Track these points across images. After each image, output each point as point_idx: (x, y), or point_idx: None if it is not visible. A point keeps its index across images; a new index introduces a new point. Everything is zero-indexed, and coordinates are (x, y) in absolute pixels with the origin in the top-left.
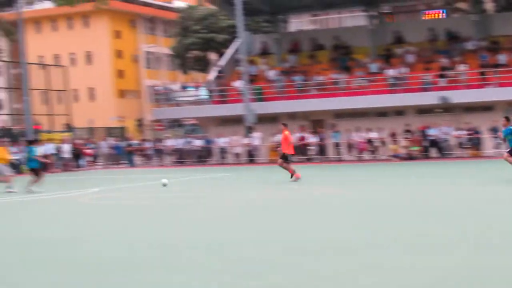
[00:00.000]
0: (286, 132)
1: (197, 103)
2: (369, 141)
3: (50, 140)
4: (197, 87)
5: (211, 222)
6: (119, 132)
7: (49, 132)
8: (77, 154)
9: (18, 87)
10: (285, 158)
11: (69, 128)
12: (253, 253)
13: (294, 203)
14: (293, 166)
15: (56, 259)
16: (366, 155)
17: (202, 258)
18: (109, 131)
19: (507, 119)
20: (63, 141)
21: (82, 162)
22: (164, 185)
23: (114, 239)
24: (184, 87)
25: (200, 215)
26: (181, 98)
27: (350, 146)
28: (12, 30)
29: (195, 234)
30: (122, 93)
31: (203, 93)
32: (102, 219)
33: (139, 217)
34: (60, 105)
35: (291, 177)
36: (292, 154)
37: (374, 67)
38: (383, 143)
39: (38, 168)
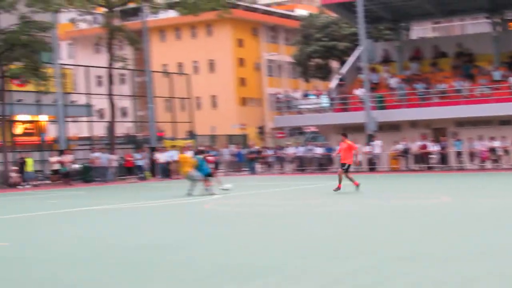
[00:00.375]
0: (349, 142)
1: (318, 111)
2: (492, 150)
3: (173, 147)
4: (318, 95)
5: (338, 230)
6: (241, 140)
7: (172, 139)
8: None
9: (142, 94)
10: (346, 169)
11: (192, 135)
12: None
13: (424, 209)
14: (351, 175)
15: (161, 262)
16: (488, 164)
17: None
18: (231, 139)
19: None
20: (185, 148)
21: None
22: (226, 189)
23: (232, 244)
24: (305, 95)
25: (321, 222)
26: (302, 106)
27: (472, 155)
28: (137, 39)
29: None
30: (243, 101)
31: (324, 101)
32: (221, 224)
33: (254, 223)
34: (183, 112)
35: (337, 188)
36: (349, 164)
37: (497, 74)
38: (506, 152)
39: (208, 174)
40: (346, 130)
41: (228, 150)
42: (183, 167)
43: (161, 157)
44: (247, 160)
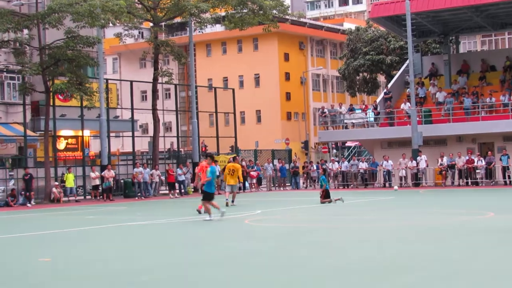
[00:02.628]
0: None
1: (363, 125)
2: None
3: (216, 162)
4: (364, 109)
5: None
6: (284, 154)
7: (215, 154)
8: (243, 176)
9: (186, 109)
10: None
11: (235, 150)
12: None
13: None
14: None
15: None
16: None
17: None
18: (274, 153)
19: None
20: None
21: (246, 184)
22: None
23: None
24: (351, 109)
25: (359, 237)
26: (347, 121)
27: None
28: (182, 54)
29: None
30: (288, 116)
31: (370, 115)
32: (260, 240)
33: (292, 239)
34: (227, 127)
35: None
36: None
37: None
38: None
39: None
40: (391, 145)
41: (271, 165)
42: (230, 177)
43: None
44: (291, 175)
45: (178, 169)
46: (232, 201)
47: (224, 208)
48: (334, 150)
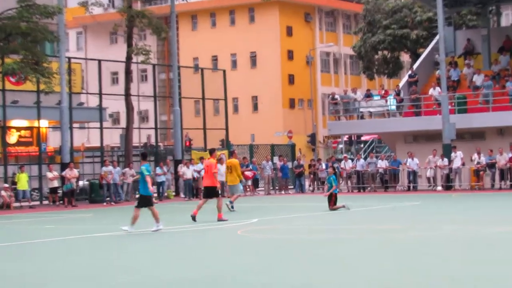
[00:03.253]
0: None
1: (384, 115)
2: None
3: (203, 160)
4: (384, 95)
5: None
6: (286, 151)
7: (202, 150)
8: None
9: (167, 95)
10: None
11: (226, 145)
12: None
13: None
14: None
15: None
16: None
17: None
18: (274, 149)
19: None
20: (219, 161)
21: (240, 186)
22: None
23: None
24: (368, 96)
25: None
26: (364, 109)
27: None
28: (162, 27)
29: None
30: (291, 103)
31: (391, 102)
32: (250, 255)
33: (290, 254)
34: (217, 117)
35: None
36: None
37: None
38: None
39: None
40: (417, 139)
41: (270, 164)
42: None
43: (188, 172)
44: (294, 176)
45: (157, 168)
46: (231, 206)
47: (162, 225)
48: (344, 146)
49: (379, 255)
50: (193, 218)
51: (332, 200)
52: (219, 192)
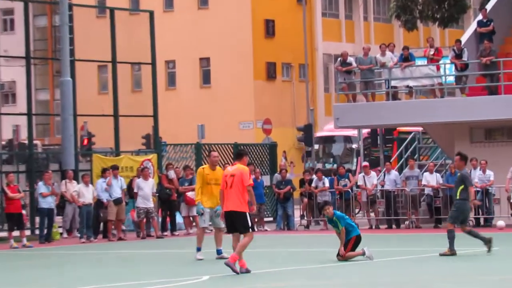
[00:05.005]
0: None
1: (433, 92)
2: None
3: (108, 172)
4: (435, 58)
5: None
6: (261, 155)
7: (111, 152)
8: (168, 198)
9: (49, 55)
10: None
11: (155, 144)
12: None
13: None
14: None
15: None
16: None
17: None
18: (240, 153)
19: None
20: (142, 174)
21: (178, 218)
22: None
23: None
24: (406, 59)
25: None
26: (397, 83)
27: None
28: None
29: None
30: (270, 71)
31: (446, 71)
32: None
33: None
34: (138, 95)
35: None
36: None
37: None
38: None
39: None
40: (492, 135)
41: None
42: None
43: (86, 192)
44: (276, 200)
45: (40, 184)
46: (218, 252)
47: None
48: (364, 146)
49: None
50: (247, 271)
51: (350, 244)
52: (250, 222)
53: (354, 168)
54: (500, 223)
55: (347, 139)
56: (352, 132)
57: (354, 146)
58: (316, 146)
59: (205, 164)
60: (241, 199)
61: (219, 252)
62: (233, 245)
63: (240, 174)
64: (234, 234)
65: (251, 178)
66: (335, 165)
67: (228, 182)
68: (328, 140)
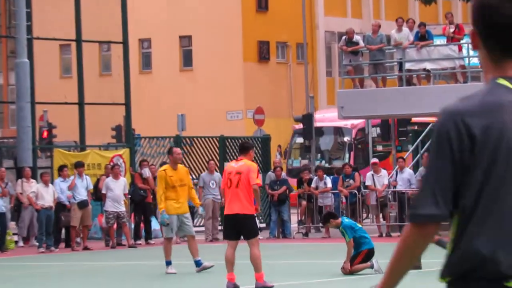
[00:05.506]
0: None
1: (454, 76)
2: None
3: (77, 169)
4: (456, 36)
5: None
6: (251, 150)
7: (75, 147)
8: (142, 201)
9: (2, 33)
10: None
11: (127, 137)
12: None
13: None
14: None
15: None
16: None
17: None
18: (227, 147)
19: None
20: (112, 172)
21: (154, 223)
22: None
23: None
24: (422, 37)
25: None
26: (413, 65)
27: None
28: None
29: None
30: (262, 51)
31: (467, 51)
32: None
33: None
34: (107, 79)
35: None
36: None
37: None
38: None
39: None
40: None
41: (219, 177)
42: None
43: (46, 193)
44: (269, 203)
45: None
46: (198, 264)
47: None
48: (371, 138)
49: None
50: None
51: (360, 258)
52: (257, 226)
53: None
54: None
55: (338, 131)
56: (344, 123)
57: (346, 139)
58: (299, 140)
59: (168, 163)
60: (250, 199)
61: (198, 263)
62: (228, 255)
63: (247, 171)
64: (232, 242)
65: (259, 176)
66: (323, 162)
67: (233, 181)
68: (315, 133)
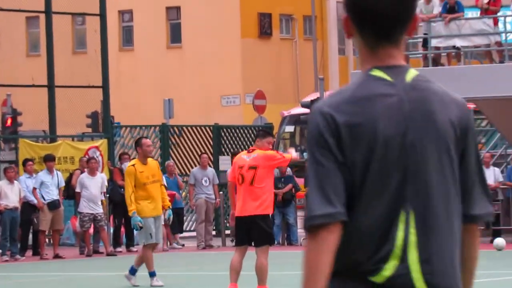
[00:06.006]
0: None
1: (489, 55)
2: None
3: (48, 163)
4: (491, 8)
5: None
6: (252, 142)
7: (44, 137)
8: (122, 202)
9: None
10: None
11: (104, 126)
12: None
13: None
14: None
15: None
16: None
17: None
18: (223, 138)
19: None
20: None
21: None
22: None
23: None
24: (451, 9)
25: None
26: (440, 42)
27: None
28: None
29: None
30: (263, 25)
31: (504, 27)
32: None
33: None
34: (82, 57)
35: None
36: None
37: None
38: None
39: None
40: None
41: (213, 173)
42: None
43: (10, 192)
44: (274, 205)
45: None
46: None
47: None
48: None
49: None
50: None
51: None
52: (272, 231)
53: None
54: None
55: None
56: None
57: None
58: (288, 129)
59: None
60: (267, 198)
61: (152, 274)
62: (234, 262)
63: (264, 163)
64: (242, 248)
65: (281, 153)
66: None
67: (247, 177)
68: (304, 121)
